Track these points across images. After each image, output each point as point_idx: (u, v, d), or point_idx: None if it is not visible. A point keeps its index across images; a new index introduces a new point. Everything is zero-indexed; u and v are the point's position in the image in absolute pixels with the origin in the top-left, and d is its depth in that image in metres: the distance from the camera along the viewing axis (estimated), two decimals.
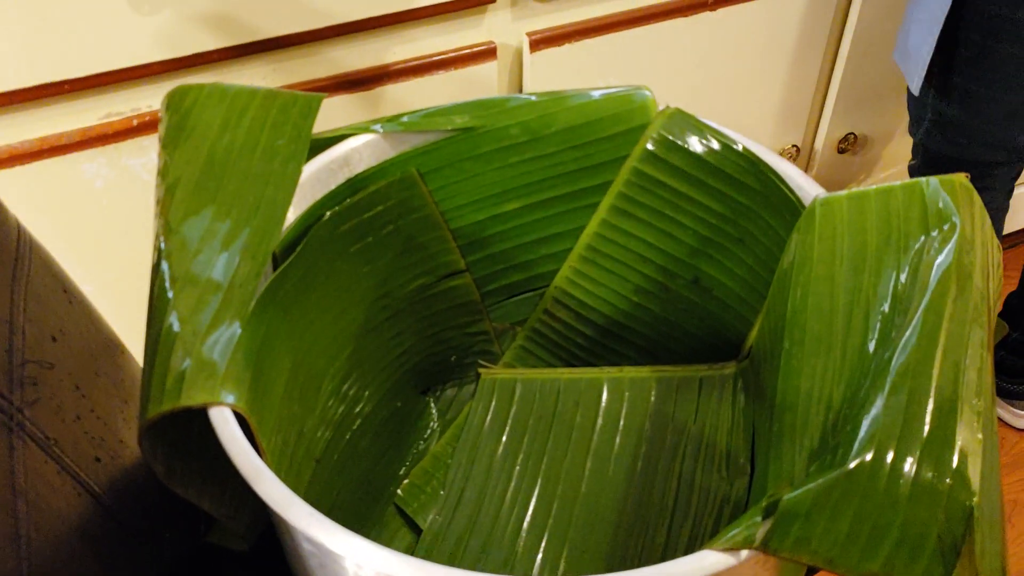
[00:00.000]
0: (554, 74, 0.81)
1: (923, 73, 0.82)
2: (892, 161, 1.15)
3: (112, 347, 0.50)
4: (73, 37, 0.62)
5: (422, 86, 0.76)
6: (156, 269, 0.38)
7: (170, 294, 0.37)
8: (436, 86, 0.76)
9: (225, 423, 0.34)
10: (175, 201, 0.41)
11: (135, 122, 0.67)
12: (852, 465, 0.29)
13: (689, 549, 0.42)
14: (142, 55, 0.65)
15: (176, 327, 0.36)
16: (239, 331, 0.36)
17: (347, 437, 0.48)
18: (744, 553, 0.29)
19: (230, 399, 0.34)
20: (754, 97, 0.96)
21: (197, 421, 0.35)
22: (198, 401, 0.34)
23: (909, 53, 0.84)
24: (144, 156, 0.69)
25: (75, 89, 0.65)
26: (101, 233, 0.70)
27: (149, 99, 0.68)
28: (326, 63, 0.72)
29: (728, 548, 0.29)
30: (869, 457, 0.29)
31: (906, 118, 1.10)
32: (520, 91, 0.83)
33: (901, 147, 1.14)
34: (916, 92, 0.85)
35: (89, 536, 0.43)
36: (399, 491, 0.50)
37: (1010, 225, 1.38)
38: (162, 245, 0.39)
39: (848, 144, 1.09)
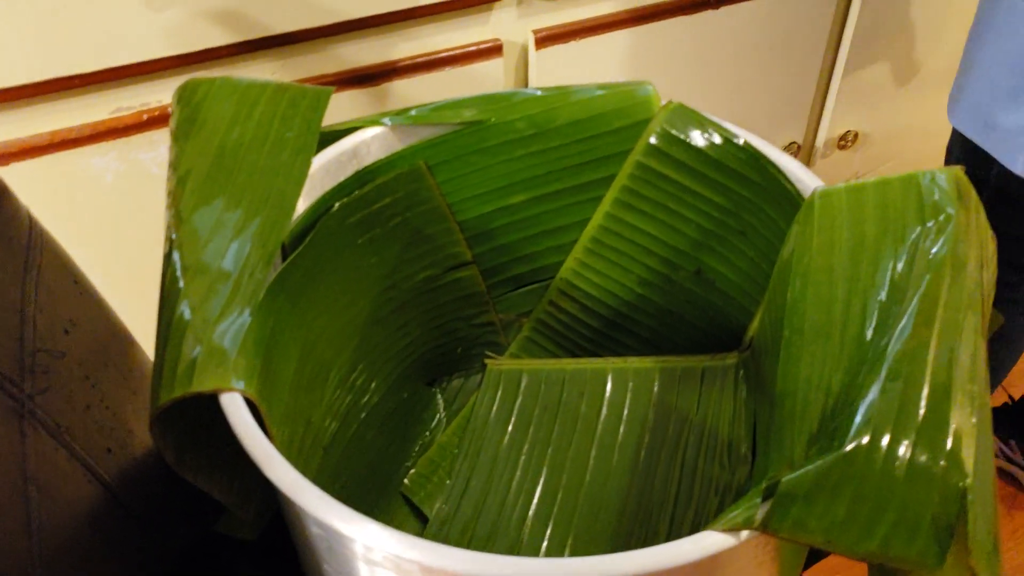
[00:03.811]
0: (559, 71, 0.81)
1: None
2: (892, 157, 1.16)
3: (122, 339, 0.51)
4: (84, 32, 0.63)
5: (429, 82, 0.76)
6: (168, 259, 0.39)
7: (181, 283, 0.38)
8: (442, 82, 0.77)
9: (236, 409, 0.34)
10: (186, 192, 0.42)
11: (144, 117, 0.68)
12: (849, 448, 0.30)
13: None
14: (152, 50, 0.66)
15: (187, 315, 0.37)
16: (249, 319, 0.37)
17: (354, 427, 0.49)
18: (744, 534, 0.30)
19: (240, 385, 0.35)
20: (756, 94, 0.97)
21: (207, 409, 0.36)
22: (209, 387, 0.35)
23: (996, 126, 0.72)
24: (153, 150, 0.70)
25: (86, 84, 0.65)
26: (111, 226, 0.71)
27: (159, 94, 0.69)
28: (334, 59, 0.73)
29: (729, 529, 0.29)
30: (866, 440, 0.30)
31: (904, 113, 1.11)
32: (526, 87, 0.83)
33: (901, 143, 1.14)
34: (1021, 171, 0.73)
35: (99, 523, 0.43)
36: (406, 480, 0.51)
37: None
38: (173, 235, 0.40)
39: (848, 141, 1.09)
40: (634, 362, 0.53)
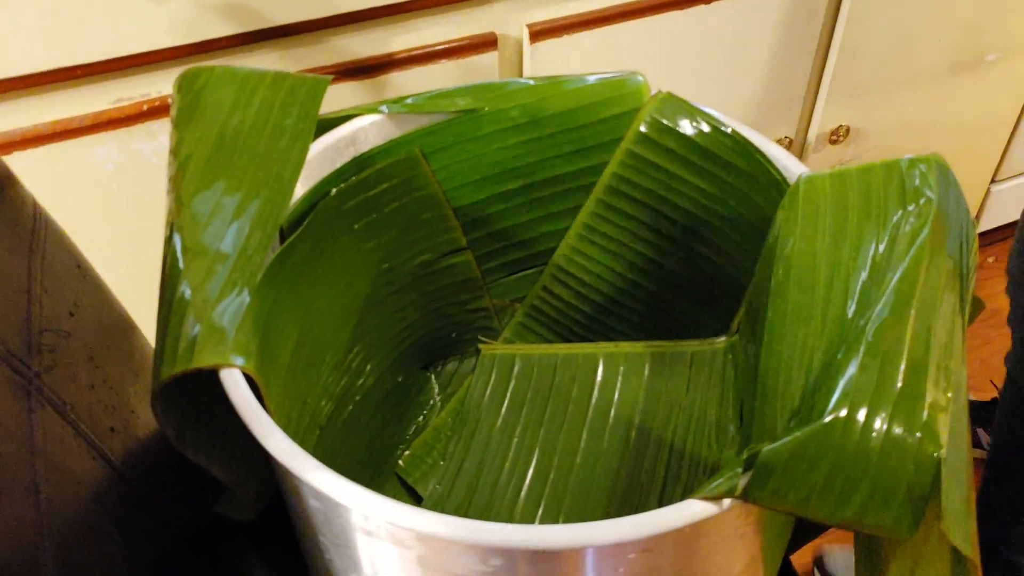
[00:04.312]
0: (553, 64, 0.83)
1: None
2: (884, 152, 1.17)
3: (123, 323, 0.52)
4: (87, 23, 0.64)
5: (425, 74, 0.77)
6: (168, 242, 0.40)
7: (181, 264, 0.39)
8: (438, 75, 0.78)
9: (235, 384, 0.35)
10: (187, 177, 0.43)
11: (145, 107, 0.69)
12: (827, 420, 0.31)
13: None
14: (153, 41, 0.67)
15: (187, 295, 0.38)
16: (247, 299, 0.38)
17: (349, 408, 0.50)
18: (726, 502, 0.31)
19: (239, 361, 0.36)
20: (748, 89, 0.98)
21: (206, 388, 0.37)
22: (208, 363, 0.36)
23: None
24: (154, 140, 0.71)
25: (87, 74, 0.66)
26: (111, 215, 0.72)
27: (159, 84, 0.70)
28: (332, 51, 0.74)
29: (711, 497, 0.31)
30: (843, 413, 0.31)
31: (896, 108, 1.12)
32: None
33: (892, 138, 1.15)
34: None
35: (105, 500, 0.44)
36: (400, 461, 0.52)
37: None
38: (174, 219, 0.41)
39: (840, 136, 1.10)
40: (625, 347, 0.54)
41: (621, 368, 0.54)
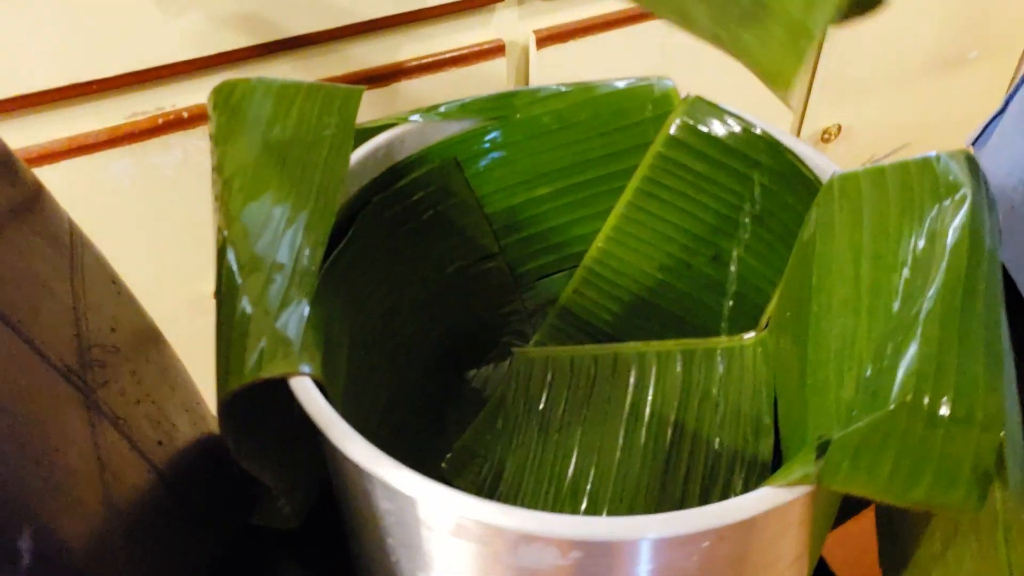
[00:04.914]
0: (559, 70, 0.84)
1: None
2: (872, 150, 1.20)
3: (155, 337, 0.52)
4: (101, 37, 0.64)
5: (434, 82, 0.78)
6: (222, 258, 0.40)
7: (239, 279, 0.39)
8: (448, 82, 0.79)
9: (308, 391, 0.36)
10: (233, 191, 0.43)
11: (160, 120, 0.69)
12: (893, 407, 0.32)
13: None
14: (167, 55, 0.67)
15: (248, 310, 0.38)
16: (307, 309, 0.39)
17: (395, 414, 0.51)
18: (799, 489, 0.32)
19: (307, 370, 0.37)
20: (741, 89, 1.00)
21: (261, 401, 0.38)
22: (279, 372, 0.36)
23: None
24: (168, 154, 0.71)
25: (103, 89, 0.66)
26: (128, 231, 0.72)
27: (173, 98, 0.70)
28: (343, 61, 0.75)
29: (786, 485, 0.32)
30: (909, 399, 0.32)
31: (886, 106, 1.15)
32: (526, 86, 0.85)
33: (881, 137, 1.18)
34: None
35: (161, 511, 0.45)
36: (443, 464, 0.53)
37: None
38: (224, 234, 0.41)
39: (831, 134, 1.13)
40: (655, 346, 0.56)
41: (653, 367, 0.55)
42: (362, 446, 0.34)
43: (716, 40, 0.30)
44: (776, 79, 0.28)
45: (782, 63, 0.29)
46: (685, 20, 0.30)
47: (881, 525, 0.45)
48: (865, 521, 0.44)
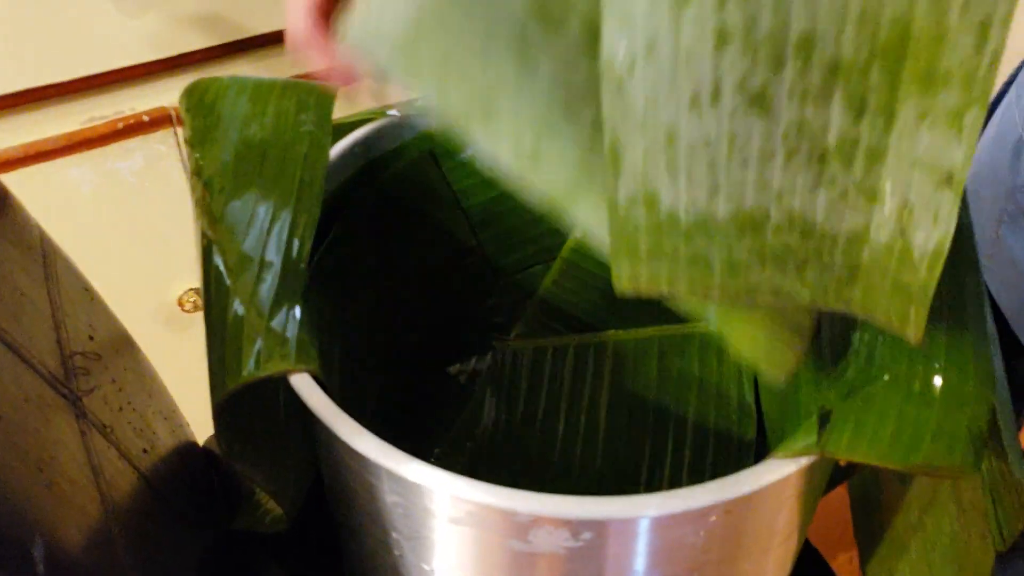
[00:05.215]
0: None
1: None
2: None
3: (130, 344, 0.51)
4: (58, 41, 0.63)
5: None
6: (207, 261, 0.40)
7: (227, 280, 0.39)
8: None
9: (310, 388, 0.36)
10: (215, 192, 0.43)
11: (120, 125, 0.68)
12: (887, 377, 0.33)
13: None
14: (126, 57, 0.66)
15: (241, 310, 0.38)
16: (300, 306, 0.38)
17: (381, 411, 0.51)
18: (804, 460, 0.33)
19: (307, 367, 0.36)
20: None
21: (251, 404, 0.37)
22: (278, 370, 0.36)
23: None
24: (129, 159, 0.70)
25: (60, 93, 0.65)
26: (90, 238, 0.71)
27: (132, 101, 0.69)
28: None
29: (792, 456, 0.33)
30: (902, 369, 0.33)
31: None
32: None
33: None
34: None
35: (152, 518, 0.44)
36: (432, 459, 0.53)
37: None
38: (209, 236, 0.41)
39: None
40: (635, 333, 0.56)
41: (632, 353, 0.56)
42: (371, 440, 0.34)
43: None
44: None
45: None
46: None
47: (855, 499, 0.46)
48: (835, 496, 0.46)
